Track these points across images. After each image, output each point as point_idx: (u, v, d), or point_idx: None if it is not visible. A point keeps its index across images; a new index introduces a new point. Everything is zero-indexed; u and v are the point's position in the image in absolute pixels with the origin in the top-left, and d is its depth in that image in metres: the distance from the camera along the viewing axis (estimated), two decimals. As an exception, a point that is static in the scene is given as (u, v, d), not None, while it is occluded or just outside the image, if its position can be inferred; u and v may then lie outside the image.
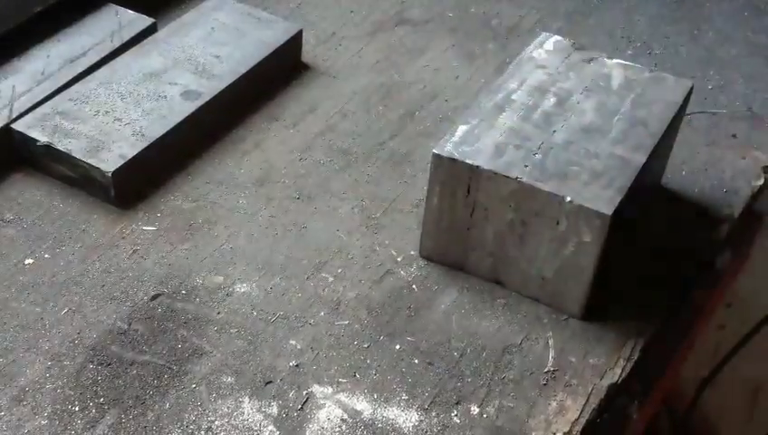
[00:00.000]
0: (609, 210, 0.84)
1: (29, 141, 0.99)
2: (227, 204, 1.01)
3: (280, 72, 1.18)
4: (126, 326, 0.87)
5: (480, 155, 0.88)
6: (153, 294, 0.90)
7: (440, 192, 0.91)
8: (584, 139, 0.91)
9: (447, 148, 0.89)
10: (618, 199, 0.85)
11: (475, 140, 0.90)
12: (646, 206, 1.00)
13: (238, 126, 1.11)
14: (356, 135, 1.11)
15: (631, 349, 0.90)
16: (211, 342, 0.86)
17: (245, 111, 1.12)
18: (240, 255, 0.95)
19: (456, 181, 0.89)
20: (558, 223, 0.86)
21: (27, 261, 0.92)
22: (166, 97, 1.06)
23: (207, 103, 1.07)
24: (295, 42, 1.19)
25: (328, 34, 1.27)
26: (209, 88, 1.08)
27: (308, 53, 1.22)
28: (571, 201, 0.84)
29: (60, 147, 0.98)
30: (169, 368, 0.84)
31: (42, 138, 0.99)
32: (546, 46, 1.03)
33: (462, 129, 0.91)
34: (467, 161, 0.88)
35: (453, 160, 0.88)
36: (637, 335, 0.91)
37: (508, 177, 0.86)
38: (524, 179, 0.86)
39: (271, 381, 0.84)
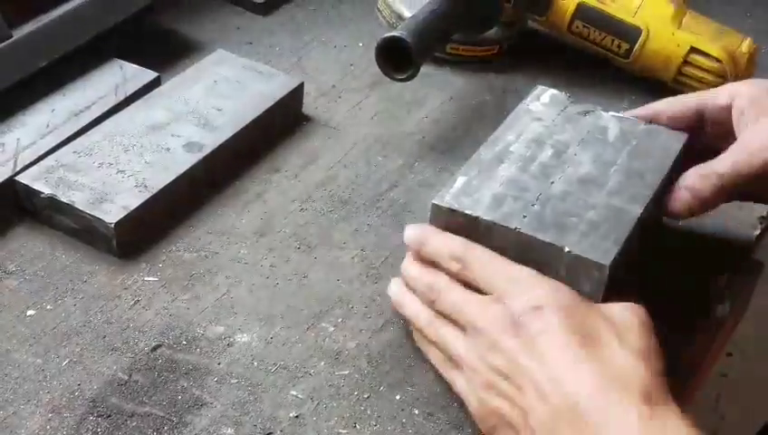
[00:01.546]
0: (606, 260, 0.84)
1: (32, 193, 1.01)
2: (228, 254, 1.02)
3: (281, 123, 1.19)
4: (126, 377, 0.87)
5: (479, 205, 0.89)
6: (154, 344, 0.90)
7: (440, 242, 0.91)
8: (581, 190, 0.92)
9: (447, 198, 0.90)
10: (615, 250, 0.85)
11: (473, 191, 0.91)
12: (650, 250, 1.01)
13: (240, 177, 1.12)
14: (356, 185, 1.13)
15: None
16: (211, 392, 0.87)
17: (247, 163, 1.14)
18: (241, 305, 0.96)
19: (455, 231, 0.90)
20: (557, 272, 0.86)
21: (29, 312, 0.93)
22: (168, 149, 1.07)
23: (210, 155, 1.08)
24: (296, 94, 1.21)
25: (328, 87, 1.29)
26: (211, 140, 1.10)
27: (309, 105, 1.24)
28: (569, 251, 0.85)
29: (63, 199, 0.99)
30: (169, 419, 0.84)
31: (45, 190, 1.00)
32: (543, 99, 1.05)
33: (461, 180, 0.93)
34: (466, 212, 0.89)
35: (452, 211, 0.89)
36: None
37: (507, 227, 0.87)
38: (523, 230, 0.87)
39: (271, 433, 0.84)
